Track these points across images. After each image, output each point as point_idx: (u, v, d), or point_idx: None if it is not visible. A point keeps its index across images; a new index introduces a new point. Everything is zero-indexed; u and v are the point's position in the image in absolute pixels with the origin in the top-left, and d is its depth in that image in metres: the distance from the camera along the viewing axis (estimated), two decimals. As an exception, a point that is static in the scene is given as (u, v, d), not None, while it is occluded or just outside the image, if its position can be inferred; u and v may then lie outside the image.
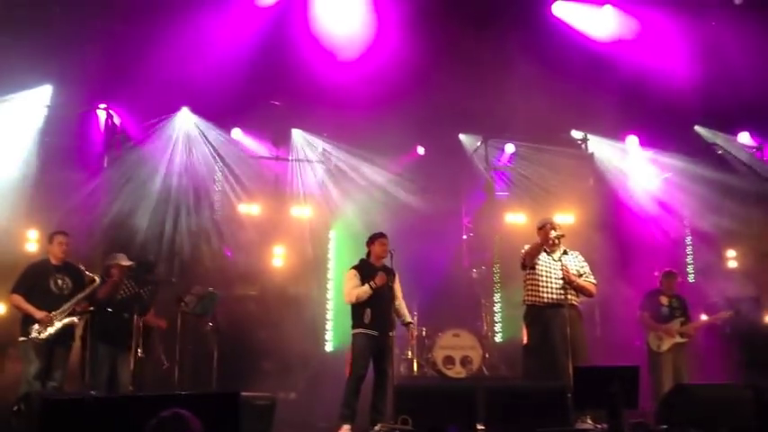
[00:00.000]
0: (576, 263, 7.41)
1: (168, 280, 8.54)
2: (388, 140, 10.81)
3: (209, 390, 7.79)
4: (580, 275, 7.34)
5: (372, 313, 7.30)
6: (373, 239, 7.74)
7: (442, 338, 9.88)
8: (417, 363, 10.04)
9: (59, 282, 7.35)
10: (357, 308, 7.38)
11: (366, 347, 7.27)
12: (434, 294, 10.41)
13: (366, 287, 7.32)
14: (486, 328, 10.59)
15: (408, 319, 7.71)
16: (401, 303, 7.69)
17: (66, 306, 7.19)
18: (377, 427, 6.39)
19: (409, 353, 10.09)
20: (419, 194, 11.00)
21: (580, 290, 7.30)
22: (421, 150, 11.53)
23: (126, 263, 7.67)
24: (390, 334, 7.39)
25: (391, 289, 7.52)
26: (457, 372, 9.70)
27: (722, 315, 9.19)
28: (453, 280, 10.81)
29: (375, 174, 11.18)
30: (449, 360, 9.77)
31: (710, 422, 6.07)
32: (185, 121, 10.54)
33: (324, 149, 11.28)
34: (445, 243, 11.09)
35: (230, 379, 8.35)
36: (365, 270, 7.52)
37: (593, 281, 7.48)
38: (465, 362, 9.74)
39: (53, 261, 7.44)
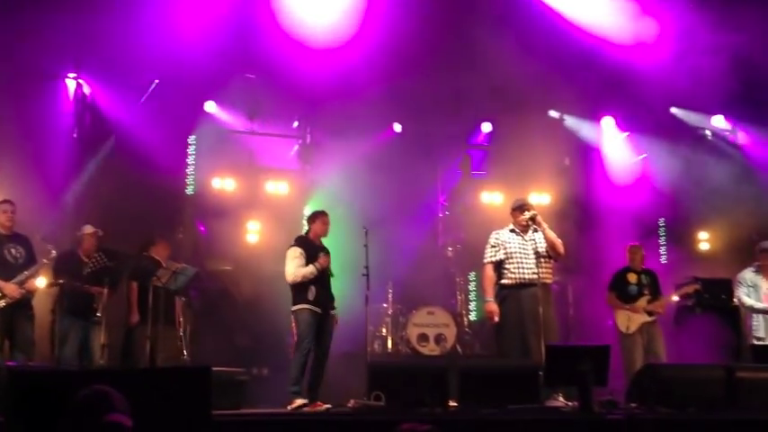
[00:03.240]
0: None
1: (139, 254, 8.43)
2: (364, 117, 10.76)
3: (182, 365, 7.75)
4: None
5: (318, 291, 7.24)
6: (315, 217, 7.63)
7: (416, 316, 9.90)
8: (392, 340, 10.07)
9: (13, 251, 7.24)
10: (301, 285, 7.28)
11: (311, 323, 7.18)
12: (409, 272, 10.41)
13: (311, 268, 7.24)
14: (460, 306, 10.61)
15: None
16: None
17: (21, 277, 7.09)
18: (350, 403, 6.39)
19: (383, 330, 10.12)
20: (395, 172, 10.95)
21: (551, 244, 7.30)
22: (398, 128, 11.48)
23: (91, 230, 7.70)
24: (332, 312, 7.37)
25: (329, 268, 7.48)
26: (431, 349, 9.72)
27: (688, 289, 9.21)
28: (428, 258, 10.81)
29: (351, 150, 11.10)
30: (423, 338, 9.78)
31: (680, 401, 6.15)
32: (158, 94, 10.38)
33: (300, 124, 11.18)
34: (420, 221, 11.10)
35: (203, 354, 8.30)
36: (307, 248, 7.41)
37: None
38: (439, 339, 9.76)
39: (2, 231, 7.29)
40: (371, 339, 9.75)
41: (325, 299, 7.32)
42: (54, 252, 7.36)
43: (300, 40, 9.69)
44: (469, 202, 11.65)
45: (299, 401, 6.90)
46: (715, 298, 9.59)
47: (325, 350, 7.29)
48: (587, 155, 11.73)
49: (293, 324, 7.40)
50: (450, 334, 9.82)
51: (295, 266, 7.29)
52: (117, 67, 9.66)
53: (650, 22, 10.08)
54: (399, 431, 3.21)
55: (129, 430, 3.06)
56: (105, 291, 7.52)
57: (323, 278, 7.34)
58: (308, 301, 7.22)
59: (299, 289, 7.28)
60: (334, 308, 7.43)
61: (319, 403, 6.91)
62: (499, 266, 7.38)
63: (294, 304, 7.31)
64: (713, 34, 9.69)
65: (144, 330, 7.74)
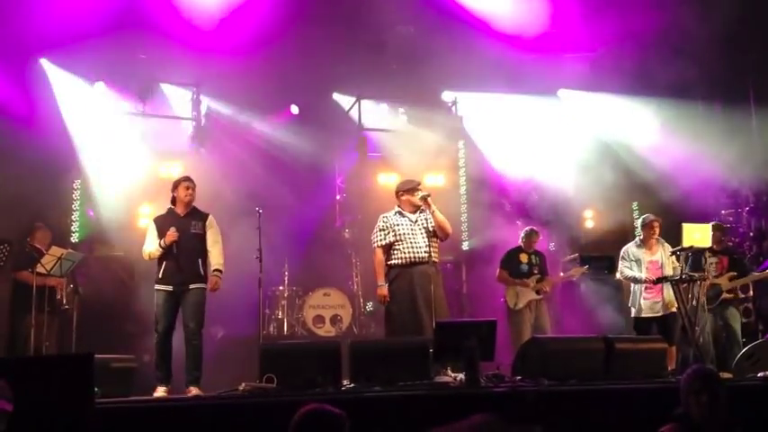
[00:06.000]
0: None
1: (23, 239, 8.12)
2: (260, 98, 10.65)
3: (67, 352, 7.54)
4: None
5: (167, 267, 6.94)
6: (176, 185, 7.20)
7: (312, 298, 9.96)
8: (288, 323, 10.07)
9: None
10: (156, 263, 7.07)
11: (164, 304, 6.91)
12: (306, 254, 10.45)
13: (155, 246, 6.99)
14: (356, 287, 10.70)
15: (216, 266, 7.08)
16: (213, 250, 7.13)
17: None
18: (241, 386, 6.34)
19: (279, 313, 10.11)
20: (291, 153, 10.90)
21: (440, 225, 7.28)
22: (295, 109, 11.41)
23: None
24: (192, 287, 6.95)
25: (197, 237, 7.07)
26: (327, 330, 9.82)
27: (576, 271, 9.66)
28: (325, 239, 10.84)
29: (247, 131, 10.98)
30: (319, 319, 9.87)
31: (563, 372, 6.39)
32: (43, 74, 9.97)
33: (193, 106, 10.96)
34: (317, 202, 11.10)
35: (92, 342, 8.04)
36: (166, 221, 7.09)
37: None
38: (335, 320, 9.87)
39: None
40: (267, 322, 9.75)
41: (180, 274, 6.95)
42: None
43: (192, 15, 9.52)
44: (366, 184, 11.72)
45: (160, 390, 6.73)
46: (598, 273, 10.07)
47: (186, 329, 6.91)
48: (479, 136, 11.96)
49: None
50: (346, 315, 9.93)
51: (146, 243, 7.13)
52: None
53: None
54: (302, 413, 3.05)
55: (9, 415, 3.01)
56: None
57: (180, 251, 6.96)
58: (157, 281, 6.98)
59: (156, 265, 7.07)
60: (200, 281, 7.02)
61: (191, 389, 6.71)
62: (389, 248, 7.38)
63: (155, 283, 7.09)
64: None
65: (28, 318, 7.47)
